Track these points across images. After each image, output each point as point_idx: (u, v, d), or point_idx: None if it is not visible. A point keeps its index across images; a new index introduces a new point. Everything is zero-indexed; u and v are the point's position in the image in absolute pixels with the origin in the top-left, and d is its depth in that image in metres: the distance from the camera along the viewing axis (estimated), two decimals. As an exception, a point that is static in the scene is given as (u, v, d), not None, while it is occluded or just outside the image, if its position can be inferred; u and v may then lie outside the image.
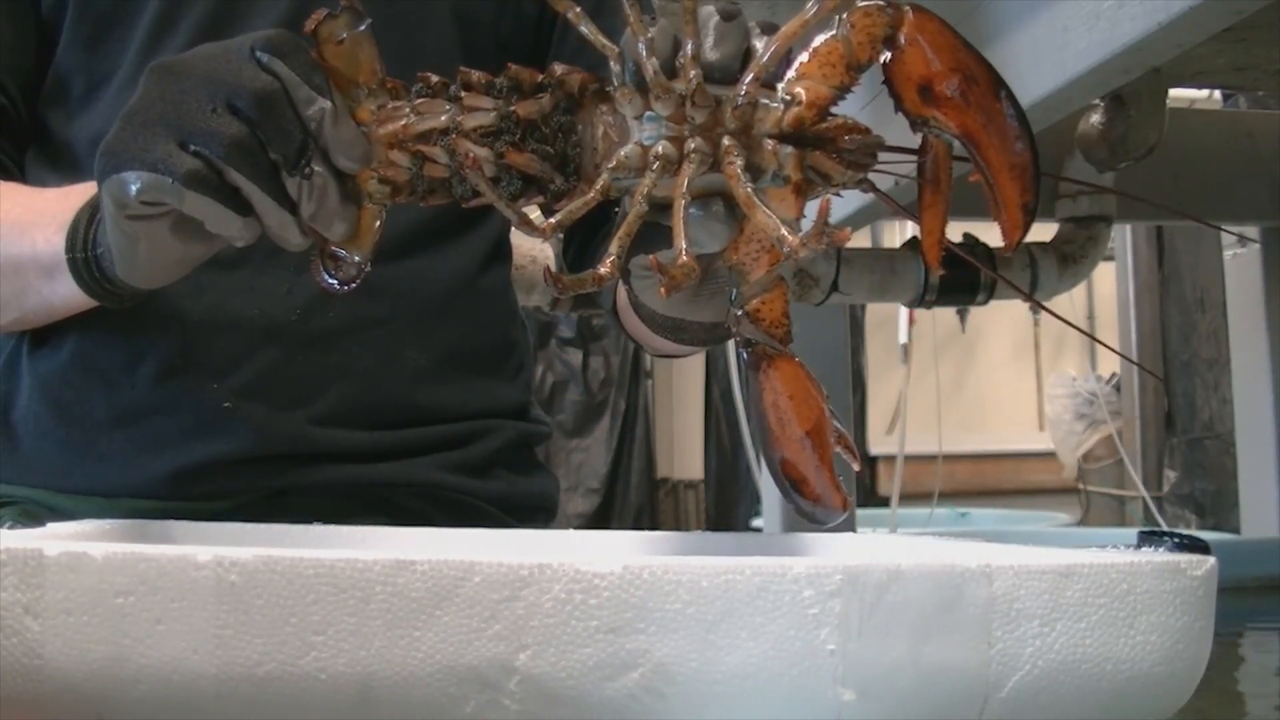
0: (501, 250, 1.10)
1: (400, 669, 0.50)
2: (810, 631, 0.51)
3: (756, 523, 4.00)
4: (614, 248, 0.63)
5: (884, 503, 4.31)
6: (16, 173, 0.98)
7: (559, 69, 0.65)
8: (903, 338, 4.64)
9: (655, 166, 0.63)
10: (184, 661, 0.50)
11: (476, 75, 0.66)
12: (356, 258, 0.69)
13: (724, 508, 5.71)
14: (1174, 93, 2.14)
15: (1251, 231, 2.48)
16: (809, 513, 0.66)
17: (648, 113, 0.63)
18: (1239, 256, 2.56)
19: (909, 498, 3.97)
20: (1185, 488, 3.59)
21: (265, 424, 0.94)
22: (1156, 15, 1.11)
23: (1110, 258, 3.67)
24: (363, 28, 0.66)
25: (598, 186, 0.64)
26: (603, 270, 0.63)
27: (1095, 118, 1.98)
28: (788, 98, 0.62)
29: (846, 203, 1.86)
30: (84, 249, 0.79)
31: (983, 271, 2.15)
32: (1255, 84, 1.98)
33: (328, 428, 0.96)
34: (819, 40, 0.62)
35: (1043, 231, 2.18)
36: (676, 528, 5.59)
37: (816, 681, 0.51)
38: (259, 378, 0.94)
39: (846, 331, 2.65)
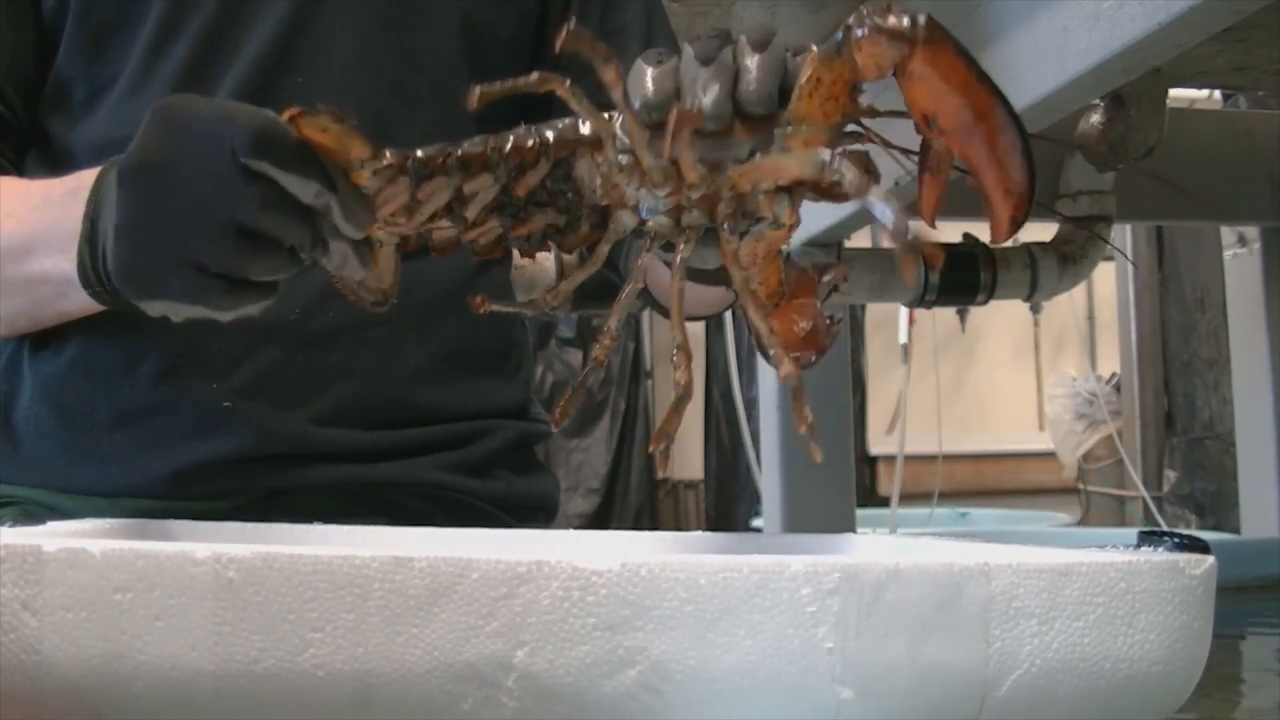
0: (501, 250, 1.10)
1: (398, 666, 0.50)
2: (808, 630, 0.51)
3: (756, 523, 3.99)
4: (612, 324, 0.66)
5: (884, 503, 4.30)
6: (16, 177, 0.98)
7: (550, 134, 0.64)
8: (903, 338, 4.63)
9: (650, 243, 0.64)
10: (182, 658, 0.50)
11: (472, 151, 0.65)
12: (384, 285, 0.71)
13: (724, 508, 5.70)
14: (1174, 93, 2.14)
15: (1251, 231, 2.48)
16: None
17: (643, 191, 0.63)
18: (1239, 256, 2.56)
19: (909, 498, 3.96)
20: (1185, 488, 3.58)
21: (265, 424, 0.94)
22: (1156, 15, 1.11)
23: (1110, 258, 3.67)
24: (345, 123, 0.64)
25: (600, 252, 0.67)
26: (599, 354, 0.66)
27: (1095, 118, 1.98)
28: (786, 149, 0.60)
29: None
30: (99, 283, 0.79)
31: (982, 271, 2.15)
32: (1255, 84, 1.98)
33: (328, 427, 0.96)
34: (822, 67, 0.59)
35: (1043, 231, 2.18)
36: (676, 528, 5.59)
37: (814, 680, 0.51)
38: (259, 377, 0.94)
39: (846, 331, 2.65)
